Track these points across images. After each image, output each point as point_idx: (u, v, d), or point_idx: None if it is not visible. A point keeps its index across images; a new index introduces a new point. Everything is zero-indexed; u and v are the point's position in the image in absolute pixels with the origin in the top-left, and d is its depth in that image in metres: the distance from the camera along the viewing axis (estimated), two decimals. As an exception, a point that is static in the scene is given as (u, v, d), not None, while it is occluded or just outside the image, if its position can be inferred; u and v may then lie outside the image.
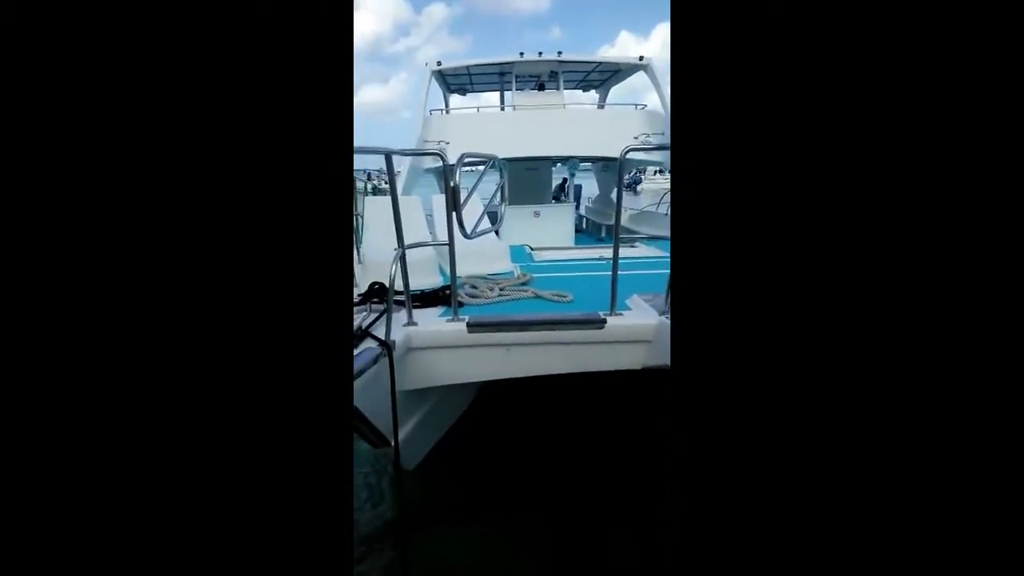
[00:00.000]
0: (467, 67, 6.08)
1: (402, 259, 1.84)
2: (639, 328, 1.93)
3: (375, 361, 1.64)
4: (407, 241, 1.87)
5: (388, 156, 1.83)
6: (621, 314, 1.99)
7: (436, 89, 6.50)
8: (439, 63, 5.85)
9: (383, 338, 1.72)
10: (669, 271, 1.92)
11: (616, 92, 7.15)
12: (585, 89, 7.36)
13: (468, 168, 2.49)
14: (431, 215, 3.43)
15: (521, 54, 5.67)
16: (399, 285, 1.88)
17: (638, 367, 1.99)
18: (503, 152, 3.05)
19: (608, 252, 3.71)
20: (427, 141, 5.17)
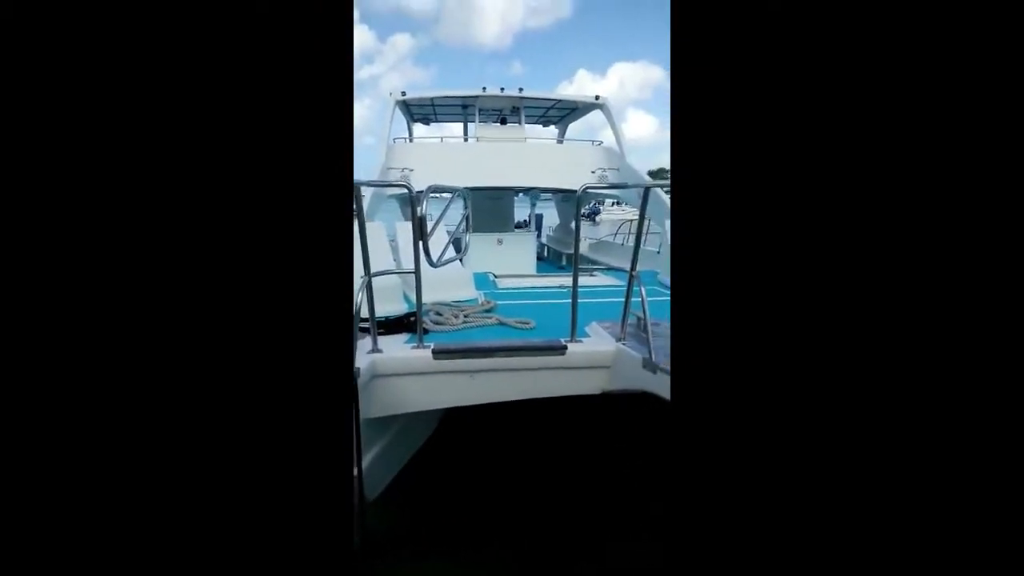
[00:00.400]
0: (431, 98, 6.24)
1: (368, 287, 1.87)
2: (598, 354, 2.03)
3: None
4: (372, 268, 1.90)
5: (356, 187, 1.88)
6: (581, 341, 2.09)
7: (400, 118, 6.61)
8: (403, 93, 5.98)
9: None
10: (624, 299, 2.04)
11: (574, 128, 7.51)
12: (545, 124, 7.69)
13: (433, 195, 2.56)
14: (394, 241, 3.46)
15: (484, 88, 5.89)
16: (364, 312, 1.90)
17: (597, 392, 2.07)
18: (466, 181, 3.15)
19: (568, 280, 3.84)
20: (391, 168, 5.23)
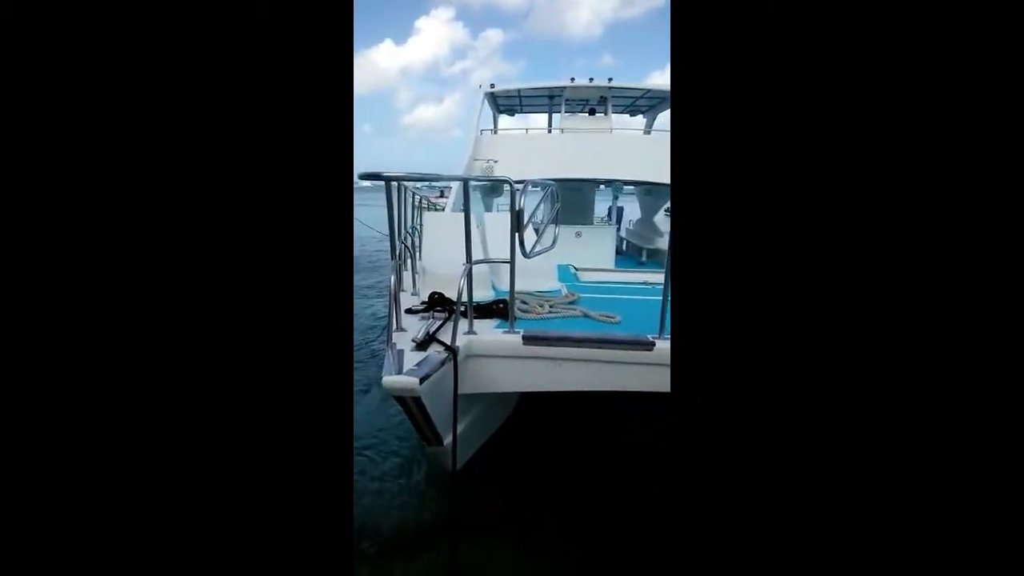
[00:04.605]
0: (518, 90, 6.34)
1: (469, 274, 2.00)
2: None
3: (441, 364, 1.80)
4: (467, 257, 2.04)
5: (465, 183, 2.02)
6: (669, 338, 2.09)
7: (487, 110, 6.79)
8: (492, 85, 6.13)
9: (448, 343, 1.88)
10: None
11: (664, 118, 7.25)
12: (632, 114, 7.50)
13: (518, 187, 2.63)
14: (481, 227, 3.61)
15: (572, 79, 5.87)
16: (463, 296, 2.04)
17: None
18: (549, 172, 3.19)
19: (651, 276, 3.76)
20: (476, 160, 5.42)
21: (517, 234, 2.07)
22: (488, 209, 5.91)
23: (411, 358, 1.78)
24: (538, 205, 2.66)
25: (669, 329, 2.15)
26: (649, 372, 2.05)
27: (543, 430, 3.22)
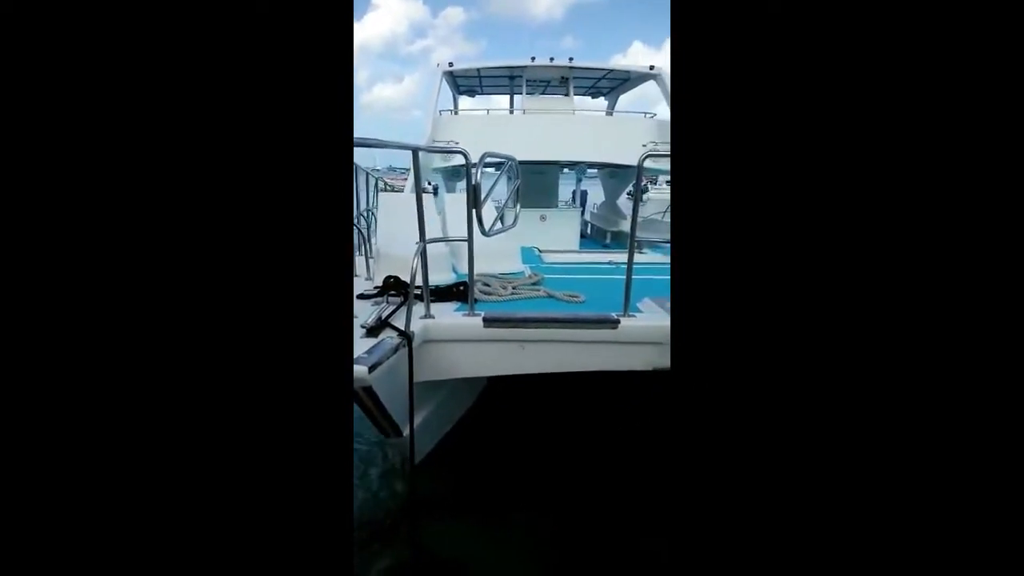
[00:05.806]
0: (478, 69, 6.13)
1: (423, 254, 1.87)
2: (652, 330, 1.96)
3: (395, 351, 1.67)
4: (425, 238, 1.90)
5: (415, 152, 1.87)
6: (634, 316, 2.03)
7: (447, 90, 6.55)
8: (451, 64, 5.91)
9: (402, 328, 1.75)
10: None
11: (624, 100, 7.21)
12: (594, 96, 7.42)
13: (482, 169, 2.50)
14: (442, 212, 3.46)
15: (532, 58, 5.72)
16: (418, 279, 1.91)
17: (649, 368, 2.02)
18: (511, 154, 3.08)
19: (615, 257, 3.72)
20: (436, 141, 5.21)
21: (475, 210, 1.94)
22: (450, 192, 5.72)
23: (361, 345, 1.64)
24: (496, 180, 2.54)
25: (633, 307, 2.09)
26: (615, 351, 1.99)
27: (510, 416, 3.14)
